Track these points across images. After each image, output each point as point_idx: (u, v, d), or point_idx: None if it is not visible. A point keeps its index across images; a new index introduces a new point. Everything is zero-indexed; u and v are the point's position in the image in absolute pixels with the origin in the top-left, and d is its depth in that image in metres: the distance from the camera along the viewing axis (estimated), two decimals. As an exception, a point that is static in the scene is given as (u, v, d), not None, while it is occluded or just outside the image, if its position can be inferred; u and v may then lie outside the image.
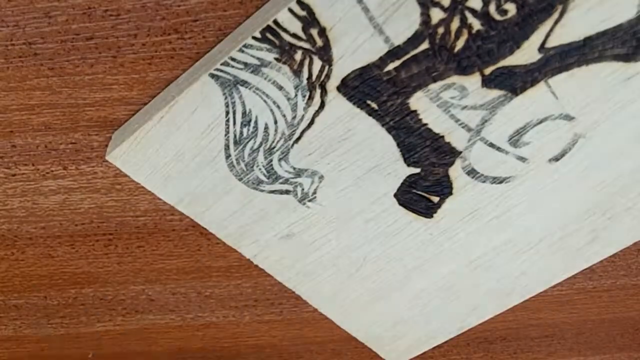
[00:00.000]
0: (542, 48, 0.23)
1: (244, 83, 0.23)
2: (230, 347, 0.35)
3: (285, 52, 0.23)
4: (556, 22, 0.22)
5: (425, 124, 0.24)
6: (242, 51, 0.22)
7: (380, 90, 0.24)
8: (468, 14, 0.22)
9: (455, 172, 0.26)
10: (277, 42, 0.22)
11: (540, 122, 0.25)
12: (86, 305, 0.26)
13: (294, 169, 0.26)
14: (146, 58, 0.24)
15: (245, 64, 0.23)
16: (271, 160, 0.25)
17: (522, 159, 0.26)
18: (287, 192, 0.26)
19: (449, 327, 0.31)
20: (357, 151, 0.25)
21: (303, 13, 0.22)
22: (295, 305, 0.31)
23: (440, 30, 0.22)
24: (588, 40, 0.22)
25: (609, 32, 0.22)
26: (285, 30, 0.22)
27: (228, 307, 0.28)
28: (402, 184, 0.26)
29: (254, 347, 0.35)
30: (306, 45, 0.22)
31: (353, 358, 0.33)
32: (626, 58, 0.23)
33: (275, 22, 0.22)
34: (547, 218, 0.27)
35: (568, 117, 0.24)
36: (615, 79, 0.24)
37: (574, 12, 0.22)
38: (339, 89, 0.23)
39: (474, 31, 0.22)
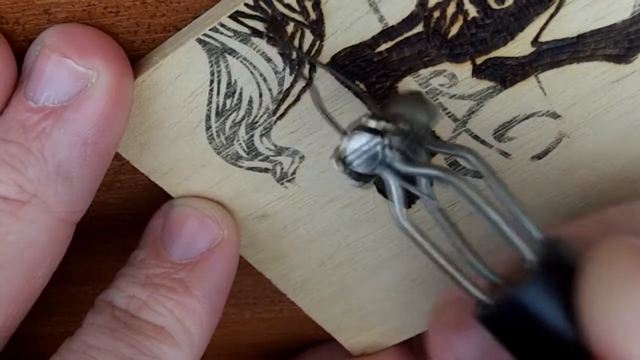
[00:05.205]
0: (535, 41, 0.22)
1: (232, 52, 0.23)
2: (230, 345, 0.35)
3: (277, 23, 0.22)
4: (552, 16, 0.22)
5: (412, 110, 0.24)
6: (233, 18, 0.22)
7: (369, 72, 0.23)
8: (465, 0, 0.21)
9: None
10: (269, 11, 0.22)
11: (527, 117, 0.24)
12: (86, 302, 0.26)
13: (275, 146, 0.25)
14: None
15: (235, 32, 0.22)
16: (252, 136, 0.25)
17: (505, 154, 0.25)
18: (265, 170, 0.26)
19: (418, 322, 0.31)
20: None
21: (298, -17, 0.21)
22: (296, 303, 0.30)
23: (436, 13, 0.22)
24: (581, 37, 0.22)
25: (603, 30, 0.22)
26: None
27: (228, 304, 0.28)
28: None
29: (254, 345, 0.35)
30: (299, 18, 0.22)
31: (354, 357, 0.33)
32: (617, 59, 0.23)
33: (270, -10, 0.21)
34: None
35: (554, 115, 0.24)
36: (604, 80, 0.23)
37: (570, 7, 0.22)
38: (328, 66, 0.23)
39: (469, 18, 0.22)
